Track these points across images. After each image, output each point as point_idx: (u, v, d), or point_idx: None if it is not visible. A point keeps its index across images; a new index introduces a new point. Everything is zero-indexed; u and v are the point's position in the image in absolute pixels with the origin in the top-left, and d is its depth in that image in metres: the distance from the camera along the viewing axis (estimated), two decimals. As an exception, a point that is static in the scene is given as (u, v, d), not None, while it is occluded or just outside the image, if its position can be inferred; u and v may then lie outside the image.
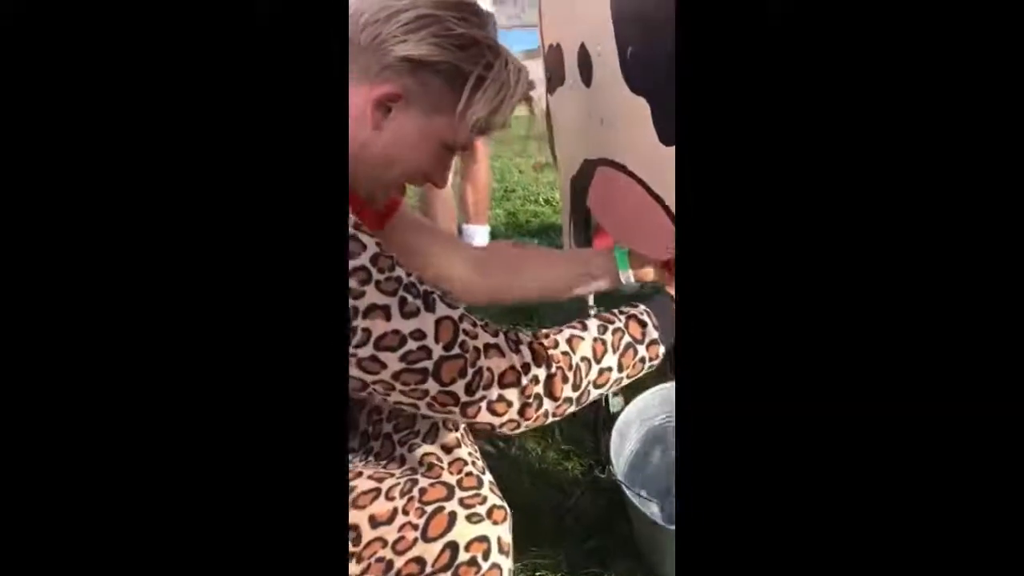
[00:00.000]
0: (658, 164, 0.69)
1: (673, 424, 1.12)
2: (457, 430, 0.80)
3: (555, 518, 1.18)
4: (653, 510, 0.92)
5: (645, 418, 1.12)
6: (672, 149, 0.65)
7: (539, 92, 1.17)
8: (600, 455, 1.24)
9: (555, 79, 1.01)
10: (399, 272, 0.56)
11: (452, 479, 0.68)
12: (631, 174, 0.77)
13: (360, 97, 0.62)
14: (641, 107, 0.70)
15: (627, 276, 0.80)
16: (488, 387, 0.59)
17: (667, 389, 1.12)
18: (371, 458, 0.77)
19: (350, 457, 0.77)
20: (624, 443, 1.07)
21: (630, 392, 1.23)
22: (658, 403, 1.11)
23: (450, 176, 2.12)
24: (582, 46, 0.86)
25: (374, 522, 0.63)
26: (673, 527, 0.89)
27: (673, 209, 0.69)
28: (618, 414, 1.08)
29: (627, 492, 0.92)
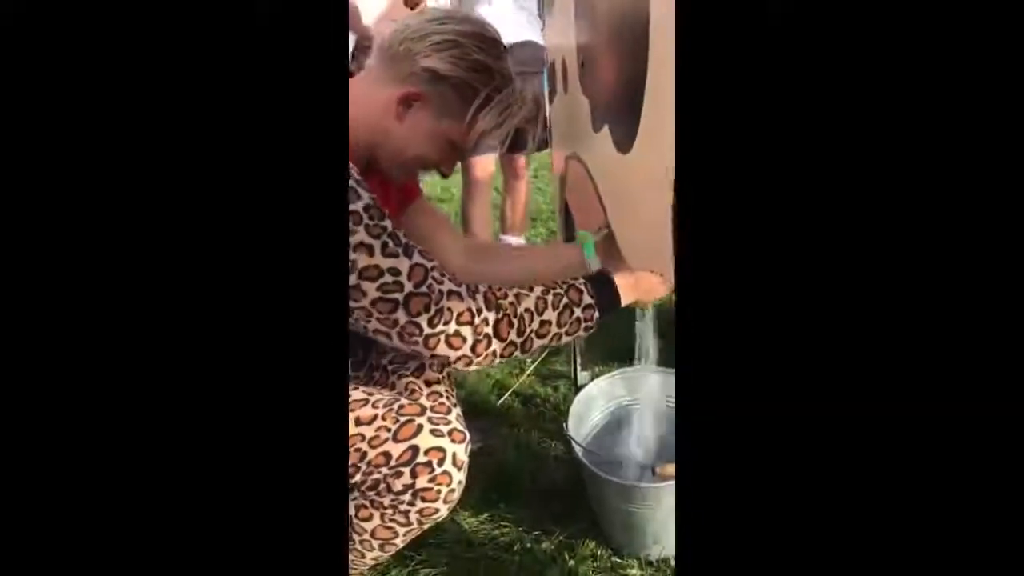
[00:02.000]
0: (592, 149, 0.85)
1: (637, 406, 1.23)
2: (441, 372, 0.97)
3: (529, 484, 1.31)
4: (594, 461, 1.04)
5: (612, 396, 1.24)
6: (598, 135, 0.80)
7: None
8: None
9: (551, 91, 1.19)
10: (386, 223, 0.73)
11: (427, 403, 0.86)
12: (581, 161, 0.92)
13: (389, 94, 0.81)
14: (586, 105, 0.86)
15: (594, 263, 0.92)
16: (447, 323, 0.74)
17: (631, 373, 1.24)
18: (371, 384, 0.95)
19: (355, 382, 0.95)
20: (588, 413, 1.20)
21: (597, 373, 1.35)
22: (623, 385, 1.23)
23: (492, 191, 2.28)
24: (563, 60, 1.03)
25: (358, 422, 0.82)
26: (612, 477, 1.01)
27: (600, 188, 0.84)
28: (584, 386, 1.21)
29: (574, 445, 1.05)
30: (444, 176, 0.93)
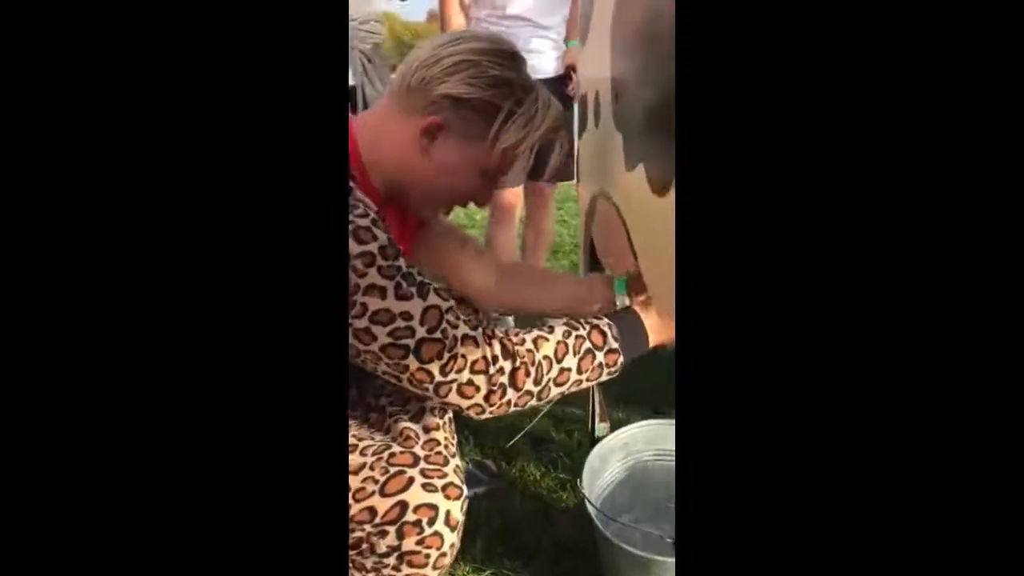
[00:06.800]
0: (624, 190, 0.78)
1: (660, 461, 1.15)
2: (442, 418, 0.89)
3: (535, 538, 1.22)
4: (612, 529, 0.96)
5: (631, 451, 1.15)
6: (632, 174, 0.74)
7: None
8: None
9: (581, 125, 1.13)
10: (400, 262, 0.68)
11: (421, 452, 0.77)
12: (611, 201, 0.86)
13: (410, 129, 0.75)
14: (619, 140, 0.79)
15: (623, 302, 0.86)
16: (460, 371, 0.69)
17: (654, 426, 1.15)
18: (366, 426, 0.88)
19: (350, 422, 0.88)
20: (604, 468, 1.11)
21: (616, 422, 1.27)
22: (644, 438, 1.15)
23: (518, 221, 2.24)
24: (596, 93, 0.97)
25: None
26: (629, 548, 0.92)
27: (632, 232, 0.77)
28: (601, 439, 1.13)
29: (589, 507, 0.96)
30: (480, 206, 0.88)
